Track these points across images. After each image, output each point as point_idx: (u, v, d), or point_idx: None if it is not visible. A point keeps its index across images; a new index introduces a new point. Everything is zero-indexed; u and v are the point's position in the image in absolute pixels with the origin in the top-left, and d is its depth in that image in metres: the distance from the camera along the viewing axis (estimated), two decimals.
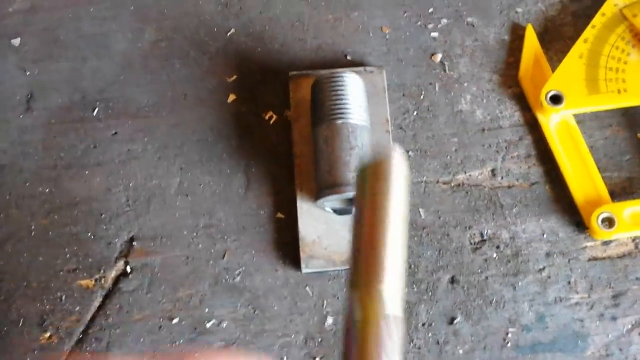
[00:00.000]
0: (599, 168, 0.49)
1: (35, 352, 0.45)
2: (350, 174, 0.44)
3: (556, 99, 0.49)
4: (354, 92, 0.46)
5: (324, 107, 0.46)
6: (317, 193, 0.45)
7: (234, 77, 0.52)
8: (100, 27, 0.52)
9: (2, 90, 0.51)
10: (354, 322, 0.25)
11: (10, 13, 0.53)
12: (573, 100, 0.49)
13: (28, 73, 0.51)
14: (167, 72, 0.52)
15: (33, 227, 0.48)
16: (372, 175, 0.27)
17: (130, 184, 0.49)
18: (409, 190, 0.27)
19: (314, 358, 0.46)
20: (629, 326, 0.47)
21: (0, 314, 0.46)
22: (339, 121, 0.45)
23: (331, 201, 0.46)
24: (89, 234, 0.48)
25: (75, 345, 0.46)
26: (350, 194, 0.44)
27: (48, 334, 0.46)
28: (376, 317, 0.25)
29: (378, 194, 0.26)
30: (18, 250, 0.47)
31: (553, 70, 0.50)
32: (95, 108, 0.51)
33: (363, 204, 0.27)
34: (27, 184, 0.49)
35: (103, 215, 0.48)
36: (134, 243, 0.48)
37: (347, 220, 0.47)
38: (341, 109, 0.45)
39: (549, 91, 0.49)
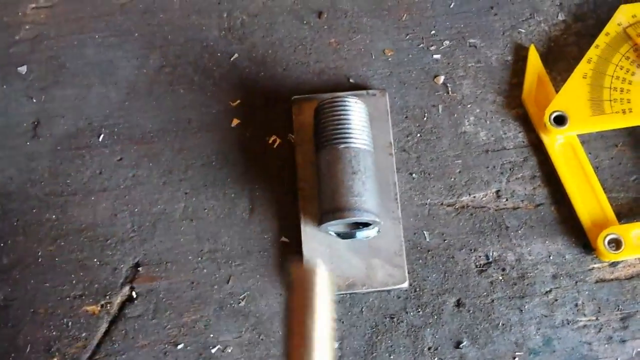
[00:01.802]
0: (604, 189, 0.49)
1: None
2: (353, 199, 0.44)
3: (560, 120, 0.49)
4: (356, 116, 0.46)
5: (326, 132, 0.46)
6: (320, 218, 0.45)
7: (238, 101, 0.52)
8: (105, 54, 0.53)
9: (9, 117, 0.52)
10: None
11: (16, 41, 0.53)
12: (577, 121, 0.49)
13: (34, 100, 0.52)
14: (172, 97, 0.52)
15: (40, 253, 0.48)
16: (298, 286, 0.30)
17: (136, 210, 0.49)
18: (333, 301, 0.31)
19: None
20: (639, 349, 0.46)
21: (7, 340, 0.47)
22: (341, 146, 0.45)
23: (334, 225, 0.46)
24: (95, 260, 0.48)
25: None
26: (354, 218, 0.44)
27: None
28: None
29: (303, 307, 0.29)
30: (25, 277, 0.48)
31: (557, 91, 0.50)
32: (100, 134, 0.51)
33: (291, 312, 0.29)
34: (34, 211, 0.49)
35: (109, 241, 0.49)
36: (140, 268, 0.48)
37: (350, 244, 0.47)
38: (343, 133, 0.45)
39: (553, 112, 0.49)
